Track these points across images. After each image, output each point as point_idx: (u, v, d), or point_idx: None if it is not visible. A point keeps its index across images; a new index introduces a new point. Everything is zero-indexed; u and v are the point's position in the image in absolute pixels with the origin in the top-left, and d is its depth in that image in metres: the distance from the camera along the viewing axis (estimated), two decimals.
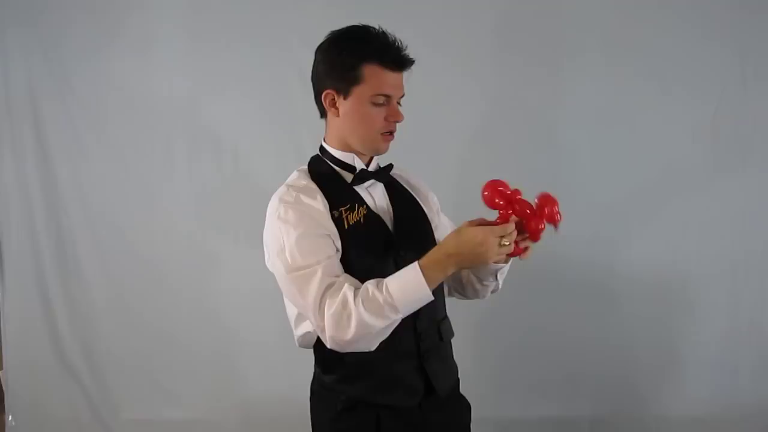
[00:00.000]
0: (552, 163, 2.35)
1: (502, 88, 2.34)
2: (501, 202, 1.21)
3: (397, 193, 1.40)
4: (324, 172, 1.35)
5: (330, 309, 1.18)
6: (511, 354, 2.40)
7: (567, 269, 2.37)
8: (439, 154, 2.30)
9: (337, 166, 1.35)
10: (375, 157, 1.39)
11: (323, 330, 1.20)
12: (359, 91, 1.27)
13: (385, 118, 1.30)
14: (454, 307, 1.46)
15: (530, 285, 2.27)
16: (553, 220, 1.20)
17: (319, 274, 1.20)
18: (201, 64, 2.40)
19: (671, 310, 2.39)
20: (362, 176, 1.34)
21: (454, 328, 1.43)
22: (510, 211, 1.20)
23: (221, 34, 2.37)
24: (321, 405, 1.37)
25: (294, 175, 1.37)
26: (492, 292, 1.45)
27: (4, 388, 2.64)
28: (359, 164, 1.35)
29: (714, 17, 2.29)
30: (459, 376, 1.45)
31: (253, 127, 2.40)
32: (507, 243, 1.17)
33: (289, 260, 1.23)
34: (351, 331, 1.17)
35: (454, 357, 1.45)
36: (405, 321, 1.25)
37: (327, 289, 1.20)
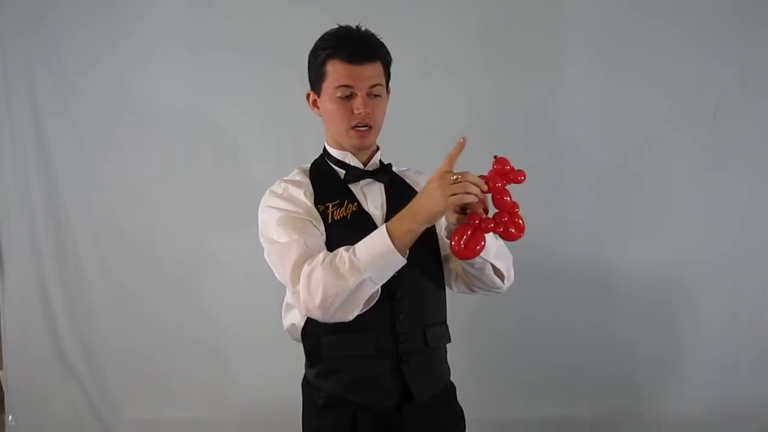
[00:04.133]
0: (552, 163, 2.36)
1: (503, 88, 2.35)
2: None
3: (398, 193, 1.38)
4: (322, 170, 1.39)
5: (303, 274, 1.20)
6: (511, 354, 2.40)
7: (567, 269, 2.37)
8: (438, 154, 2.30)
9: (335, 165, 1.38)
10: (376, 156, 1.41)
11: (299, 296, 1.21)
12: (325, 88, 1.32)
13: (351, 112, 1.31)
14: (453, 306, 1.45)
15: (530, 284, 2.26)
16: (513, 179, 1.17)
17: (300, 243, 1.23)
18: (201, 64, 2.40)
19: (671, 310, 2.39)
20: (355, 174, 1.36)
21: (453, 328, 1.42)
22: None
23: (222, 35, 2.38)
24: (307, 400, 1.39)
25: (293, 172, 1.41)
26: (502, 279, 1.35)
27: (4, 388, 2.64)
28: (353, 162, 1.37)
29: (714, 17, 2.29)
30: (455, 380, 1.43)
31: (253, 128, 2.41)
32: (456, 178, 1.10)
33: (274, 234, 1.27)
34: (319, 295, 1.17)
35: (455, 357, 1.44)
36: (383, 322, 1.26)
37: (306, 258, 1.22)
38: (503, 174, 1.17)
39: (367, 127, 1.33)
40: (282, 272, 1.26)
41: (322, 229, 1.29)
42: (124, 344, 2.50)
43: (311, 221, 1.28)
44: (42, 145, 2.47)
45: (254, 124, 2.40)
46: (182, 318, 2.47)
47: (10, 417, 2.57)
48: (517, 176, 1.17)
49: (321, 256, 1.20)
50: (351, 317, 1.20)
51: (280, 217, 1.28)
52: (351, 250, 1.18)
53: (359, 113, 1.31)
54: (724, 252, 2.35)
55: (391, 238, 1.14)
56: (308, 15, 2.21)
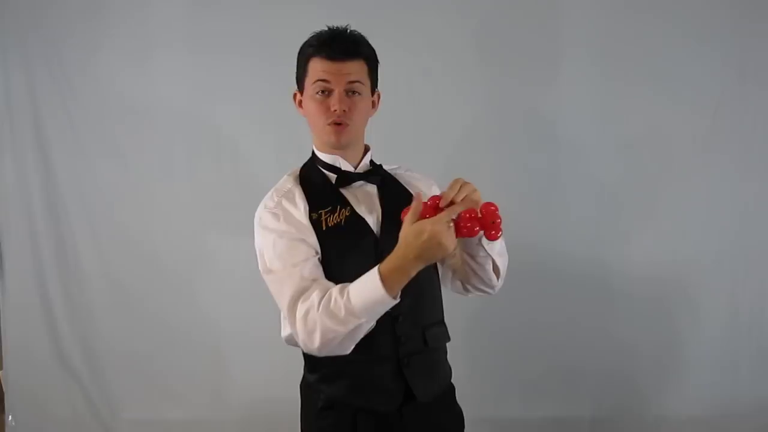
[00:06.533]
0: (551, 163, 2.36)
1: (503, 88, 2.34)
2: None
3: (392, 194, 1.37)
4: (312, 175, 1.37)
5: (299, 314, 1.19)
6: (511, 354, 2.40)
7: (567, 269, 2.37)
8: (438, 154, 2.30)
9: (325, 169, 1.36)
10: (366, 157, 1.39)
11: (297, 335, 1.21)
12: (306, 84, 1.33)
13: (329, 109, 1.30)
14: (453, 306, 1.45)
15: (530, 284, 2.27)
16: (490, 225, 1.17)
17: (293, 277, 1.22)
18: (201, 64, 2.39)
19: (671, 310, 2.39)
20: (347, 178, 1.34)
21: (453, 328, 1.42)
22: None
23: (222, 35, 2.37)
24: (306, 402, 1.39)
25: (283, 179, 1.38)
26: (498, 276, 1.37)
27: (4, 388, 2.64)
28: (344, 165, 1.35)
29: (714, 17, 2.29)
30: (455, 380, 1.43)
31: (253, 128, 2.40)
32: (450, 223, 1.12)
33: (267, 263, 1.26)
34: (317, 338, 1.17)
35: (455, 358, 1.44)
36: (383, 324, 1.24)
37: (300, 294, 1.20)
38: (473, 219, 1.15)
39: (341, 124, 1.30)
40: (279, 304, 1.25)
41: (317, 245, 1.27)
42: (124, 344, 2.50)
43: (304, 239, 1.27)
44: (42, 145, 2.47)
45: (254, 124, 2.40)
46: (182, 318, 2.47)
47: (10, 417, 2.57)
48: (472, 228, 1.15)
49: (316, 297, 1.18)
50: (347, 352, 1.21)
51: (274, 240, 1.26)
52: (345, 294, 1.16)
53: (334, 110, 1.29)
54: (724, 252, 2.35)
55: (385, 287, 1.13)
56: (308, 15, 2.19)
